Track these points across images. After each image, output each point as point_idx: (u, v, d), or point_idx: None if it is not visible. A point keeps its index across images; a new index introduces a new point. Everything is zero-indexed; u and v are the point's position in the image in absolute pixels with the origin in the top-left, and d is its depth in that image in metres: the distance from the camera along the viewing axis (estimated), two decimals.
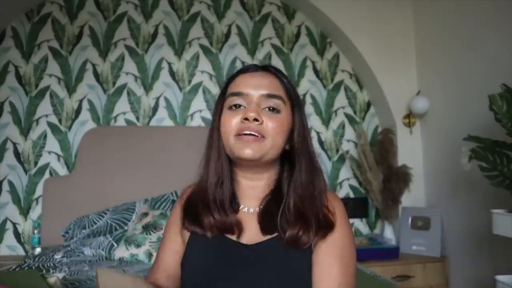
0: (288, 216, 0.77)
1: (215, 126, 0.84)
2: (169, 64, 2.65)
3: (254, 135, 0.77)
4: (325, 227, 0.77)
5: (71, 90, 2.56)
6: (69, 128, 2.54)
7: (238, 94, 0.80)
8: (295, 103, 0.84)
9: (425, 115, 2.53)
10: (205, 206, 0.82)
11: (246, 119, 0.77)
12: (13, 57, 2.51)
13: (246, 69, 0.85)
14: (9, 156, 2.46)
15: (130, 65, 2.61)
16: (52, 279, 1.39)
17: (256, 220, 0.81)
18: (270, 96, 0.80)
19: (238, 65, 2.68)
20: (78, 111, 2.55)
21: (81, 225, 2.23)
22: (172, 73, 2.64)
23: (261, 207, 0.82)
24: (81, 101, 2.56)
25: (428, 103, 2.45)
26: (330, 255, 0.76)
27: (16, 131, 2.48)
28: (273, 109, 0.80)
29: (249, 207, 0.84)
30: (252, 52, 2.72)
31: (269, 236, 0.79)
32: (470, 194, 2.11)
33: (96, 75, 2.58)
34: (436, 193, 2.46)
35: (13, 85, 2.50)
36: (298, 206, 0.78)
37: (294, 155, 0.82)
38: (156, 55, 2.64)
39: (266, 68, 0.86)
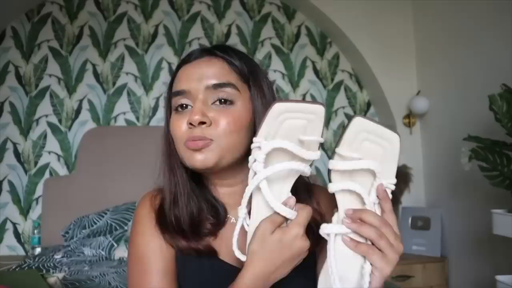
0: None
1: (166, 131, 0.71)
2: (169, 64, 2.65)
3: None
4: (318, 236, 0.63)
5: (71, 90, 2.56)
6: (69, 128, 2.54)
7: (180, 93, 0.67)
8: (253, 83, 0.69)
9: (425, 115, 2.53)
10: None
11: (191, 124, 0.64)
12: (13, 57, 2.51)
13: (188, 58, 0.71)
14: (9, 156, 2.46)
15: (130, 65, 2.61)
16: (52, 279, 1.40)
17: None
18: (217, 86, 0.65)
19: None
20: (78, 111, 2.55)
21: (81, 225, 2.23)
22: (172, 73, 2.64)
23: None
24: (81, 101, 2.56)
25: (428, 103, 2.45)
26: None
27: (16, 131, 2.48)
28: (225, 101, 0.66)
29: (237, 216, 0.66)
30: (252, 52, 2.72)
31: None
32: (470, 194, 2.11)
33: (96, 75, 2.58)
34: (436, 193, 2.46)
35: (13, 85, 2.50)
36: None
37: None
38: (156, 55, 2.64)
39: (211, 51, 0.70)
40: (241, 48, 2.71)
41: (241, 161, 0.68)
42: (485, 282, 2.00)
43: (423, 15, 2.54)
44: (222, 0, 2.72)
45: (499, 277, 1.50)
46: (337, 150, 0.58)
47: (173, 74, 0.72)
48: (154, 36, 2.65)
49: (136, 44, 2.63)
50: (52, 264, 1.87)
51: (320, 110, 0.58)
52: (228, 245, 0.63)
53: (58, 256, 1.98)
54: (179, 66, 0.72)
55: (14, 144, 2.48)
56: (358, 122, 0.57)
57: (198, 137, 0.64)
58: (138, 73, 2.62)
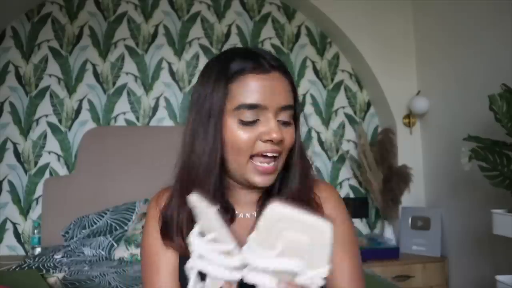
0: None
1: (215, 136, 0.67)
2: (169, 64, 2.65)
3: (274, 156, 0.67)
4: None
5: (71, 90, 2.56)
6: (69, 128, 2.54)
7: (255, 106, 0.65)
8: (297, 111, 0.73)
9: (425, 115, 2.53)
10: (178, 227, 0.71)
11: (269, 140, 0.66)
12: (13, 57, 2.50)
13: (258, 66, 0.67)
14: (9, 156, 2.46)
15: (130, 65, 2.61)
16: (52, 279, 1.40)
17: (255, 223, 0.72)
18: (286, 108, 0.68)
19: None
20: (78, 111, 2.55)
21: (81, 225, 2.24)
22: (172, 73, 2.64)
23: (257, 210, 0.74)
24: (81, 101, 2.56)
25: (428, 103, 2.45)
26: (336, 251, 0.67)
27: (16, 131, 2.48)
28: (286, 122, 0.69)
29: (245, 211, 0.74)
30: None
31: None
32: (470, 194, 2.11)
33: (96, 75, 2.58)
34: (436, 193, 2.46)
35: (13, 85, 2.50)
36: None
37: (288, 159, 0.72)
38: (156, 55, 2.64)
39: (278, 67, 0.69)
40: None
41: None
42: (485, 282, 2.00)
43: (423, 15, 2.54)
44: (222, 0, 2.72)
45: (499, 277, 1.50)
46: (251, 237, 0.49)
47: (231, 77, 0.66)
48: (154, 36, 2.65)
49: (136, 44, 2.63)
50: (52, 264, 1.87)
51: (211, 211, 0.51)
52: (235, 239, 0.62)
53: (58, 256, 1.98)
54: (243, 70, 0.66)
55: (14, 144, 2.48)
56: (275, 211, 0.47)
57: (277, 151, 0.67)
58: (138, 73, 2.62)
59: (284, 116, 0.68)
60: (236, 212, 0.73)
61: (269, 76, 0.67)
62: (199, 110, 0.68)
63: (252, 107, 0.65)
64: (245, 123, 0.66)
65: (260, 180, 0.67)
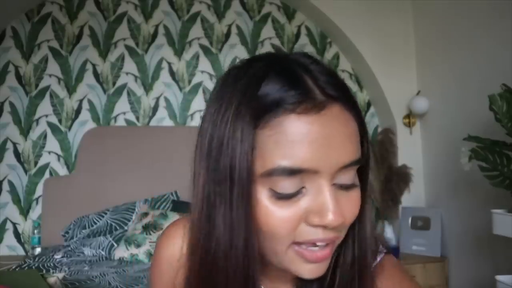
0: None
1: (234, 205, 0.42)
2: (169, 64, 2.65)
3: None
4: None
5: (71, 90, 2.56)
6: (69, 128, 2.54)
7: (296, 172, 0.40)
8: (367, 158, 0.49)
9: (425, 115, 2.53)
10: None
11: (322, 225, 0.42)
12: (13, 57, 2.51)
13: (305, 98, 0.41)
14: (9, 156, 2.46)
15: (130, 65, 2.61)
16: (52, 279, 1.40)
17: None
18: (351, 164, 0.43)
19: None
20: (78, 111, 2.55)
21: (81, 225, 2.24)
22: (172, 73, 2.64)
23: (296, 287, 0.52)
24: (81, 101, 2.56)
25: (428, 103, 2.45)
26: None
27: (16, 131, 2.48)
28: (349, 185, 0.44)
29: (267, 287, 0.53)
30: (252, 52, 2.72)
31: None
32: (470, 194, 2.11)
33: (96, 75, 2.58)
34: (436, 193, 2.46)
35: (13, 85, 2.50)
36: None
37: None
38: (156, 55, 2.64)
39: (337, 96, 0.43)
40: (241, 48, 2.72)
41: None
42: (485, 282, 2.00)
43: (423, 16, 2.54)
44: (222, 0, 2.72)
45: (499, 277, 1.50)
46: None
47: (261, 116, 0.41)
48: (154, 36, 2.65)
49: (136, 44, 2.63)
50: (52, 264, 1.87)
51: None
52: None
53: (58, 256, 1.98)
54: (275, 106, 0.41)
55: (14, 144, 2.48)
56: None
57: (332, 239, 0.44)
58: (138, 73, 2.62)
59: (346, 177, 0.43)
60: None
61: (324, 116, 0.41)
62: (215, 166, 0.43)
63: (293, 172, 0.40)
64: (281, 197, 0.41)
65: (308, 271, 0.44)
